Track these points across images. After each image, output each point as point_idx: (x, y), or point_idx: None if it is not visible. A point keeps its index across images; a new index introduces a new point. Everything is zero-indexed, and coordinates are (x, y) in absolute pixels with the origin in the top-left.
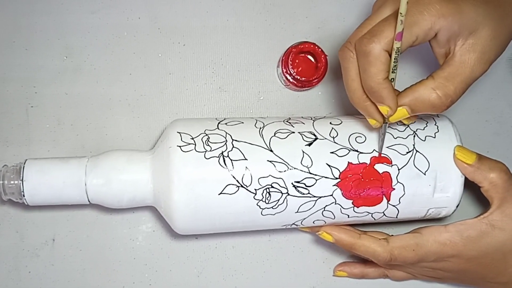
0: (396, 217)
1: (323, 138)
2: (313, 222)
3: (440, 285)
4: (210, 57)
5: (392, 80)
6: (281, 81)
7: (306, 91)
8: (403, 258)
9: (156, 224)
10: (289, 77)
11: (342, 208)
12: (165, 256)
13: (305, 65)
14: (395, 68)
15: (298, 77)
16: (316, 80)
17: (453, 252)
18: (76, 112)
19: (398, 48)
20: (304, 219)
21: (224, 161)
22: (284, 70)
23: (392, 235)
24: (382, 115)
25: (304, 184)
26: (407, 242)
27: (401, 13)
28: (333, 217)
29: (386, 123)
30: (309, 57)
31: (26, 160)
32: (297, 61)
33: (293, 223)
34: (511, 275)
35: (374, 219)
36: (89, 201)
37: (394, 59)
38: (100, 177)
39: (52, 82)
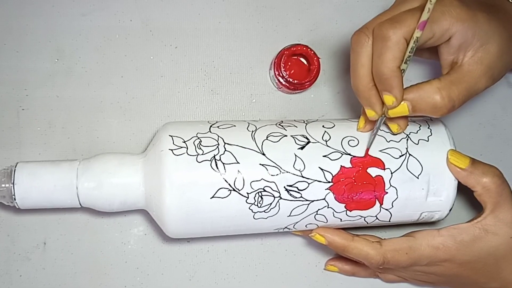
0: (389, 221)
1: (315, 141)
2: (306, 226)
3: None
4: (202, 59)
5: (403, 71)
6: (273, 84)
7: (299, 94)
8: (396, 261)
9: (148, 228)
10: (281, 80)
11: (334, 212)
12: (157, 260)
13: (298, 67)
14: (409, 58)
15: (291, 80)
16: (308, 82)
17: (446, 256)
18: (67, 115)
19: (417, 37)
20: (297, 222)
21: (216, 164)
22: (277, 73)
23: (385, 239)
24: (381, 107)
25: (297, 187)
26: (400, 245)
27: (431, 0)
28: (325, 221)
29: (383, 116)
30: (302, 59)
31: (17, 163)
32: (289, 63)
33: (286, 227)
34: (503, 280)
35: (367, 223)
36: (80, 205)
37: (411, 49)
38: (92, 180)
39: (43, 85)
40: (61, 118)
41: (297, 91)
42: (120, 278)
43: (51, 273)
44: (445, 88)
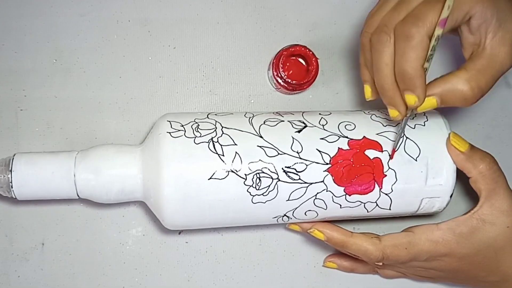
0: (390, 209)
1: (312, 125)
2: (305, 214)
3: (432, 284)
4: (201, 60)
5: (426, 70)
6: (271, 84)
7: (297, 94)
8: (396, 256)
9: (146, 228)
10: (280, 80)
11: (334, 196)
12: (155, 261)
13: (296, 68)
14: (431, 56)
15: (289, 80)
16: (307, 83)
17: (446, 250)
18: (65, 116)
19: (438, 35)
20: (296, 208)
21: (213, 146)
22: (275, 73)
23: (384, 234)
24: (405, 108)
25: (295, 169)
26: (400, 240)
27: None
28: (325, 207)
29: (408, 116)
30: (300, 60)
31: (15, 153)
32: (288, 64)
33: (285, 214)
34: (502, 274)
35: (367, 211)
36: (78, 195)
37: (432, 47)
38: (89, 167)
39: (42, 85)
40: (59, 118)
41: (295, 92)
42: (119, 279)
43: (49, 274)
44: (473, 79)
